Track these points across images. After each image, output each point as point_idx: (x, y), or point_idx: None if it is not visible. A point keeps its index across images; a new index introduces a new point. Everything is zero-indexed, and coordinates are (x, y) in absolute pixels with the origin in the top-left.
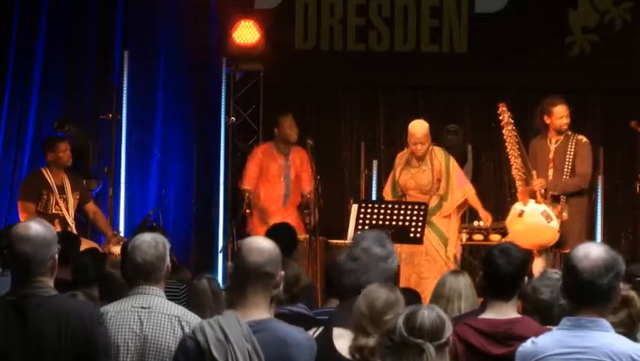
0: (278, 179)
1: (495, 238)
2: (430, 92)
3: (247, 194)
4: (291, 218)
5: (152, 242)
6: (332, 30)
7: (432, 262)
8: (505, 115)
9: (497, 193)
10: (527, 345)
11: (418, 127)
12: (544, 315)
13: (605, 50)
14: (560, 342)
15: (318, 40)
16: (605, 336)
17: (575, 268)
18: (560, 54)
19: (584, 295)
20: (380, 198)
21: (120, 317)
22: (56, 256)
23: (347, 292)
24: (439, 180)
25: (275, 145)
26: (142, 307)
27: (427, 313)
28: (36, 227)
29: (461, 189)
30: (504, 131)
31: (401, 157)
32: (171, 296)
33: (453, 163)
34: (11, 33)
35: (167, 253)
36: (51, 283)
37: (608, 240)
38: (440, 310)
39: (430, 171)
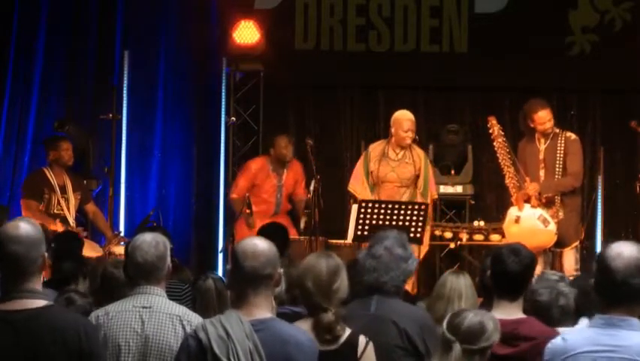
0: (270, 197)
1: (495, 238)
2: (430, 92)
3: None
4: (281, 220)
5: (152, 242)
6: (332, 30)
7: None
8: (495, 128)
9: (497, 193)
10: (557, 341)
11: (408, 115)
12: (543, 317)
13: (605, 50)
14: (592, 340)
15: (318, 40)
16: (636, 335)
17: (608, 267)
18: (560, 54)
19: (616, 294)
20: (380, 199)
21: (121, 316)
22: (46, 254)
23: (364, 291)
24: (418, 176)
25: (270, 162)
26: (143, 307)
27: (471, 316)
28: (25, 227)
29: (429, 192)
30: (495, 144)
31: (374, 149)
32: (174, 296)
33: (429, 162)
34: (11, 33)
35: (168, 252)
36: (40, 283)
37: (608, 240)
38: (489, 320)
39: (412, 165)
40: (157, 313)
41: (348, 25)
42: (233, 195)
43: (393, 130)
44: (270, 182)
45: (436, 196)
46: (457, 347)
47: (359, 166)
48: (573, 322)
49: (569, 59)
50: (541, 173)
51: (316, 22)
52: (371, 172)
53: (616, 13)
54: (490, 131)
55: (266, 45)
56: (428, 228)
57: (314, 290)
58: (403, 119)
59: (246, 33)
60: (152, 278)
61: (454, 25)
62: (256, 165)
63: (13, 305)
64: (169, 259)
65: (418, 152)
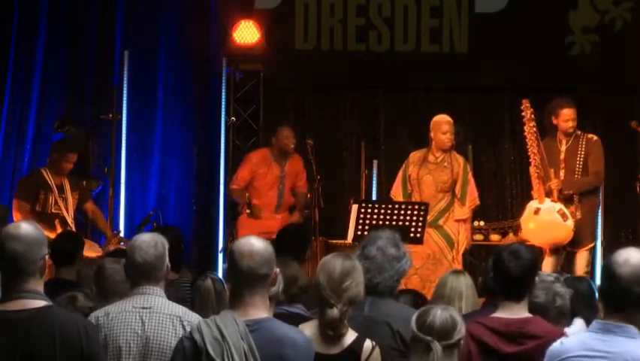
0: (272, 188)
1: (495, 237)
2: (430, 92)
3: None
4: (283, 218)
5: (151, 242)
6: (332, 30)
7: (438, 264)
8: (528, 111)
9: (497, 193)
10: (557, 345)
11: (446, 117)
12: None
13: (605, 50)
14: (585, 345)
15: (318, 40)
16: (629, 343)
17: (613, 273)
18: (560, 54)
19: (617, 300)
20: (380, 199)
21: (122, 317)
22: (46, 257)
23: None
24: (456, 182)
25: (272, 153)
26: (143, 308)
27: (440, 313)
28: (26, 227)
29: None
30: (525, 128)
31: (414, 155)
32: (184, 293)
33: (469, 171)
34: (11, 33)
35: (167, 252)
36: (41, 285)
37: (608, 240)
38: (455, 312)
39: (449, 170)
40: (157, 313)
41: (348, 25)
42: (234, 186)
43: (432, 134)
44: (272, 173)
45: (478, 203)
46: (437, 346)
47: (399, 174)
48: (568, 322)
49: (569, 59)
50: (561, 173)
51: (316, 22)
52: (409, 176)
53: (616, 13)
54: (523, 113)
55: (266, 45)
56: (466, 235)
57: (324, 284)
58: (442, 121)
59: (246, 33)
60: (151, 278)
61: (454, 25)
62: (257, 155)
63: (14, 305)
64: (167, 258)
65: (458, 158)
